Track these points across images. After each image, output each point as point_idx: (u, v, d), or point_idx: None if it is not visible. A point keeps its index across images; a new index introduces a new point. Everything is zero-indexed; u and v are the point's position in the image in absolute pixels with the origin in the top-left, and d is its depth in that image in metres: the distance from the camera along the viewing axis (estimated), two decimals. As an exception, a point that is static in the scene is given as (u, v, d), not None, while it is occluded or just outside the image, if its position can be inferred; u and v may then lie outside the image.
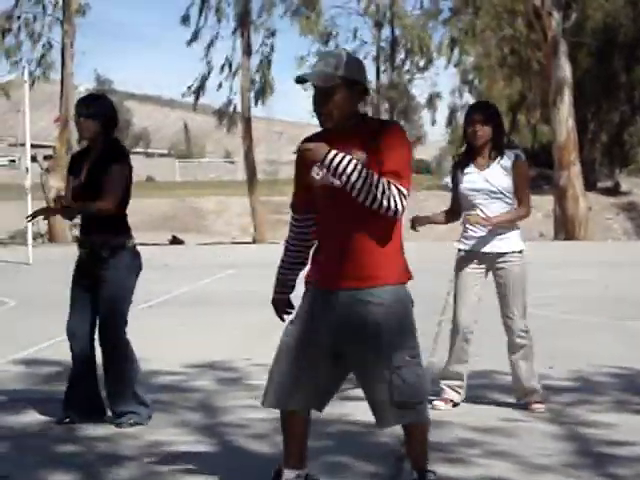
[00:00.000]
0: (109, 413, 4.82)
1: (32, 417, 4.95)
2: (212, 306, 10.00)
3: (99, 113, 4.76)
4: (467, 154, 5.03)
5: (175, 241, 26.65)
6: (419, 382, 3.35)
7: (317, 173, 3.33)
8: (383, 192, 3.15)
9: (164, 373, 6.14)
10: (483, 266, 4.98)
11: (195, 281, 12.64)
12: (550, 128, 26.13)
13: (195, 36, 29.85)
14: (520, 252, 4.98)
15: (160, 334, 7.89)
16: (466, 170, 4.98)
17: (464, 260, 5.00)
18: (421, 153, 59.88)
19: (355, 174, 3.15)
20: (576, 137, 24.80)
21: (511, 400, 5.18)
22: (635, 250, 19.07)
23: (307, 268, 3.47)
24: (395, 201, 3.17)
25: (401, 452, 4.23)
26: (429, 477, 3.55)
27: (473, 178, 4.94)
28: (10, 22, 28.30)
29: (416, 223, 4.96)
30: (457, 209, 5.10)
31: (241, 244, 25.78)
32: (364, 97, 3.37)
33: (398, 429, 4.60)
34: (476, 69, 34.13)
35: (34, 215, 4.87)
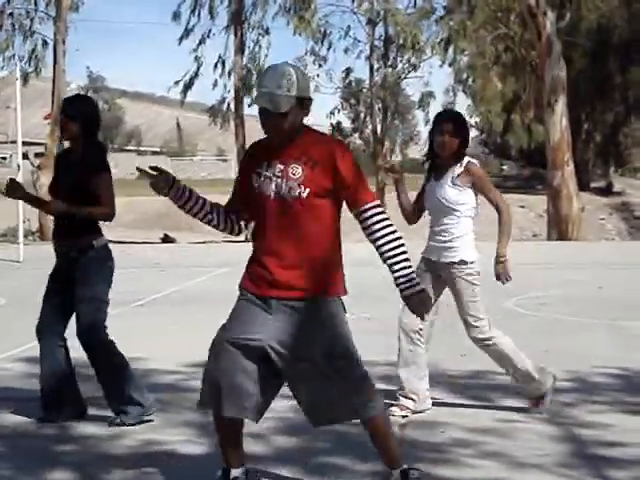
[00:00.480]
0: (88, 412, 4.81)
1: (22, 416, 4.89)
2: (204, 305, 9.93)
3: (79, 114, 4.75)
4: (433, 162, 4.93)
5: (167, 239, 26.58)
6: (362, 383, 3.41)
7: (256, 181, 3.38)
8: (401, 243, 3.33)
9: (158, 372, 6.10)
10: (437, 273, 4.88)
11: (187, 280, 12.58)
12: (544, 128, 26.11)
13: (187, 33, 29.81)
14: (471, 263, 4.78)
15: (152, 333, 7.82)
16: (429, 180, 4.93)
17: (420, 265, 4.91)
18: (414, 152, 59.89)
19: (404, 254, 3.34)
20: (570, 137, 24.81)
21: (507, 401, 5.14)
22: (628, 251, 19.08)
23: (243, 274, 3.50)
24: (392, 225, 3.34)
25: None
26: (412, 475, 3.51)
27: (430, 189, 4.89)
28: (2, 18, 28.17)
29: (391, 170, 4.93)
30: (418, 209, 5.02)
31: (233, 242, 25.72)
32: (309, 109, 3.42)
33: (396, 430, 4.56)
34: (470, 68, 34.12)
35: (10, 193, 4.67)
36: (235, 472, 3.52)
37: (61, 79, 26.90)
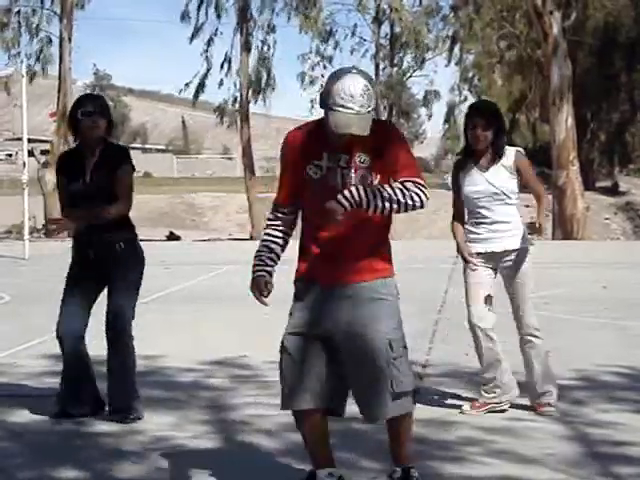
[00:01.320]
0: (106, 408, 4.82)
1: (34, 412, 4.92)
2: (209, 303, 9.95)
3: (107, 111, 4.77)
4: (467, 154, 4.92)
5: (172, 237, 26.64)
6: (411, 371, 3.43)
7: (315, 172, 3.32)
8: (404, 197, 3.21)
9: (168, 370, 6.13)
10: (494, 266, 4.90)
11: (192, 278, 12.58)
12: (549, 127, 26.09)
13: (196, 32, 29.78)
14: (530, 246, 4.92)
15: (158, 331, 7.84)
16: (468, 172, 4.88)
17: (478, 263, 4.87)
18: (419, 151, 59.92)
19: (377, 201, 3.17)
20: (575, 137, 24.80)
21: (516, 399, 5.13)
22: (633, 250, 19.05)
23: (297, 266, 3.43)
24: (419, 196, 3.24)
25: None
26: (413, 474, 3.51)
27: (475, 180, 4.85)
28: (8, 16, 28.23)
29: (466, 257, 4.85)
30: (461, 211, 5.01)
31: (238, 240, 25.76)
32: None
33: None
34: (476, 67, 34.10)
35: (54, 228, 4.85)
36: (321, 473, 3.43)
37: (67, 76, 26.98)
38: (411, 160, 3.33)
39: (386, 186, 3.22)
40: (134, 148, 69.84)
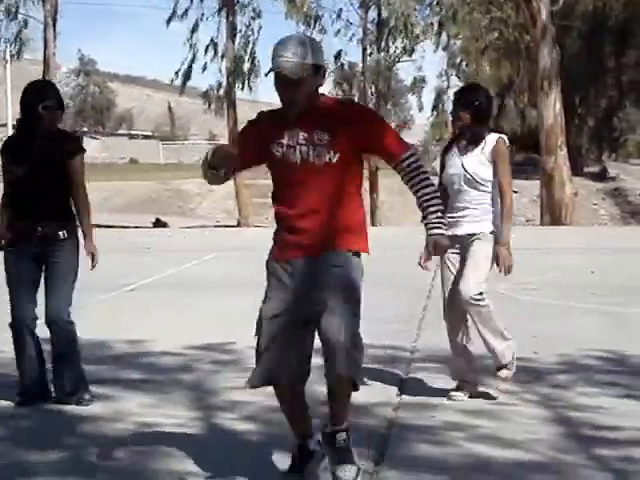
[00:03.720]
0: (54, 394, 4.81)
1: (5, 400, 4.85)
2: (195, 289, 9.91)
3: (62, 99, 4.84)
4: (453, 139, 4.95)
5: (158, 224, 26.54)
6: (359, 338, 3.35)
7: (277, 150, 3.36)
8: (433, 192, 3.45)
9: (153, 355, 6.10)
10: (458, 250, 4.86)
11: (179, 264, 12.54)
12: (537, 112, 26.07)
13: (174, 14, 29.42)
14: (490, 234, 4.79)
15: (145, 317, 7.82)
16: (450, 154, 4.89)
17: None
18: (407, 137, 59.78)
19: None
20: (563, 122, 24.78)
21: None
22: (620, 235, 19.11)
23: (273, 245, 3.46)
24: (427, 174, 3.44)
25: (385, 434, 4.20)
26: (339, 438, 3.40)
27: (454, 162, 4.85)
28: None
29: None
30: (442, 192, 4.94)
31: (225, 227, 25.71)
32: (325, 78, 3.46)
33: (383, 411, 4.57)
34: (463, 52, 34.01)
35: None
36: (310, 442, 3.50)
37: (52, 62, 26.77)
38: (389, 132, 3.43)
39: (428, 198, 3.40)
40: (120, 134, 69.52)
